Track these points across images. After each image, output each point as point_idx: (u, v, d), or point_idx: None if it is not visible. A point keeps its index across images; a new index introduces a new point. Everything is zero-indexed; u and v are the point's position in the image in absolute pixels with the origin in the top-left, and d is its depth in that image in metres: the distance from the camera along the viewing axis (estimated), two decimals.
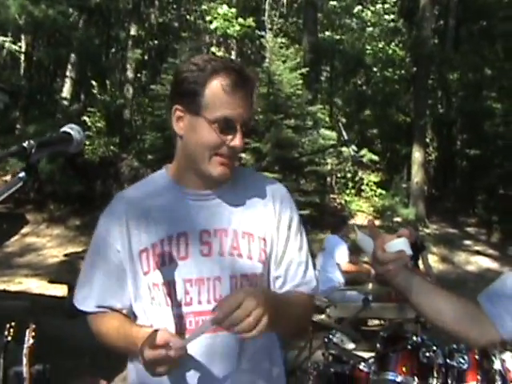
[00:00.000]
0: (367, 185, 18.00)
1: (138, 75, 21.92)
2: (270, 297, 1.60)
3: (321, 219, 13.50)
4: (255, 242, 1.77)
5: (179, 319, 1.71)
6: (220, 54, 13.98)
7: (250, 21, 12.68)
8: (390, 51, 21.31)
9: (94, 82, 18.76)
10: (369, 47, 21.47)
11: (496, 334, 1.81)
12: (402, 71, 21.58)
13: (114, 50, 24.19)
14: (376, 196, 17.51)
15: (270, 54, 14.83)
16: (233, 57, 13.76)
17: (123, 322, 1.79)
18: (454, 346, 3.84)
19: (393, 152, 21.02)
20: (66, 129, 1.46)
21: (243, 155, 13.79)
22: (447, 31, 21.14)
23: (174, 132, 1.77)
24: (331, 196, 17.32)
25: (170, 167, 1.86)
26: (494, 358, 3.79)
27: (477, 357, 3.77)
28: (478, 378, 3.70)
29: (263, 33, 17.27)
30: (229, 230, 1.75)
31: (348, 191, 18.02)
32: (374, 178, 18.30)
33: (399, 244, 1.64)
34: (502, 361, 3.78)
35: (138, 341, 1.62)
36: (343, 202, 17.23)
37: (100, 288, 1.79)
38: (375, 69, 22.04)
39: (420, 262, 9.60)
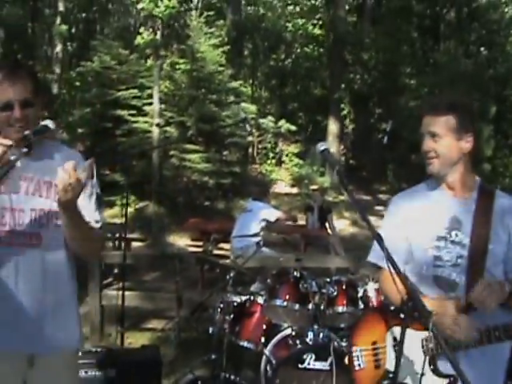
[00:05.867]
0: (287, 155, 19.14)
1: (68, 47, 22.05)
2: None
3: (242, 188, 14.53)
4: (52, 188, 2.48)
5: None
6: (147, 33, 14.58)
7: (175, 2, 13.41)
8: (310, 28, 22.34)
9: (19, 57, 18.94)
10: (289, 24, 22.45)
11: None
12: (321, 49, 22.68)
13: (40, 24, 24.03)
14: (295, 166, 18.68)
15: (193, 32, 15.58)
16: (158, 36, 14.38)
17: None
18: (327, 279, 4.97)
19: (314, 124, 22.17)
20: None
21: (168, 128, 14.57)
22: (365, 10, 22.31)
23: None
24: (253, 166, 18.39)
25: None
26: (358, 288, 4.93)
27: (344, 287, 4.89)
28: (345, 302, 4.83)
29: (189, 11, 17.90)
30: (34, 178, 2.50)
31: (269, 161, 19.20)
32: (293, 149, 19.48)
33: None
34: (365, 290, 4.92)
35: None
36: (264, 171, 18.36)
37: None
38: (296, 45, 23.05)
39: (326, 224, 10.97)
